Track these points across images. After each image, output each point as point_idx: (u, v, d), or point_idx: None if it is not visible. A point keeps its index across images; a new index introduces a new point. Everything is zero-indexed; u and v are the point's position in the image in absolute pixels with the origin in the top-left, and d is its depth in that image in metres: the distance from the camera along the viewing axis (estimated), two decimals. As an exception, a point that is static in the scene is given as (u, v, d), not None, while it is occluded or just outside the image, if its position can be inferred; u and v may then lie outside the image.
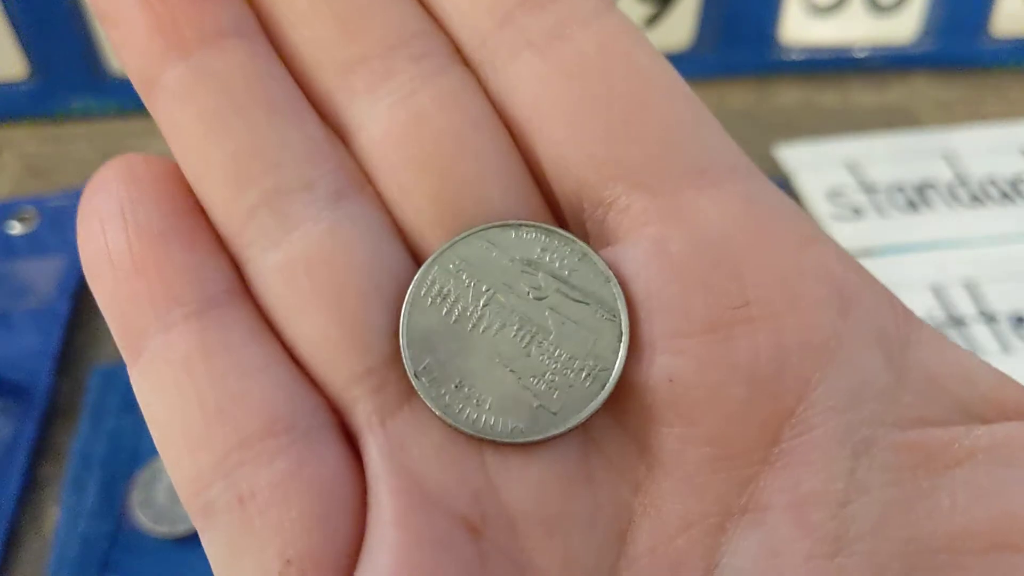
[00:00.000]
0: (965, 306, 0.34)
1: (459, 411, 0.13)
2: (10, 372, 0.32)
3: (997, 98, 0.43)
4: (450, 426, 0.14)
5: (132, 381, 0.14)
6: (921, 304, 0.34)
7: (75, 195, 0.14)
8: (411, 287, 0.14)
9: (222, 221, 0.14)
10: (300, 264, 0.14)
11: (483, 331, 0.14)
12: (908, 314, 0.14)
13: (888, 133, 0.40)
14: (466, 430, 0.13)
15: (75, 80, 0.40)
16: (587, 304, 0.14)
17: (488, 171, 0.14)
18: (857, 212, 0.37)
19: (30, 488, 0.30)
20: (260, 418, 0.13)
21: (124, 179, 0.14)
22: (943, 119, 0.41)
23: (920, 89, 0.43)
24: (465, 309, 0.14)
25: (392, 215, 0.15)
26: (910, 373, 0.13)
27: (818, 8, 0.42)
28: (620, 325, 0.14)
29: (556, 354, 0.14)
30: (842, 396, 0.13)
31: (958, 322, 0.34)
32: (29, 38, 0.39)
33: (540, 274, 0.14)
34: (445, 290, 0.14)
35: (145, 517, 0.28)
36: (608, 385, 0.13)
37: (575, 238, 0.14)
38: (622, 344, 0.14)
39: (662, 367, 0.13)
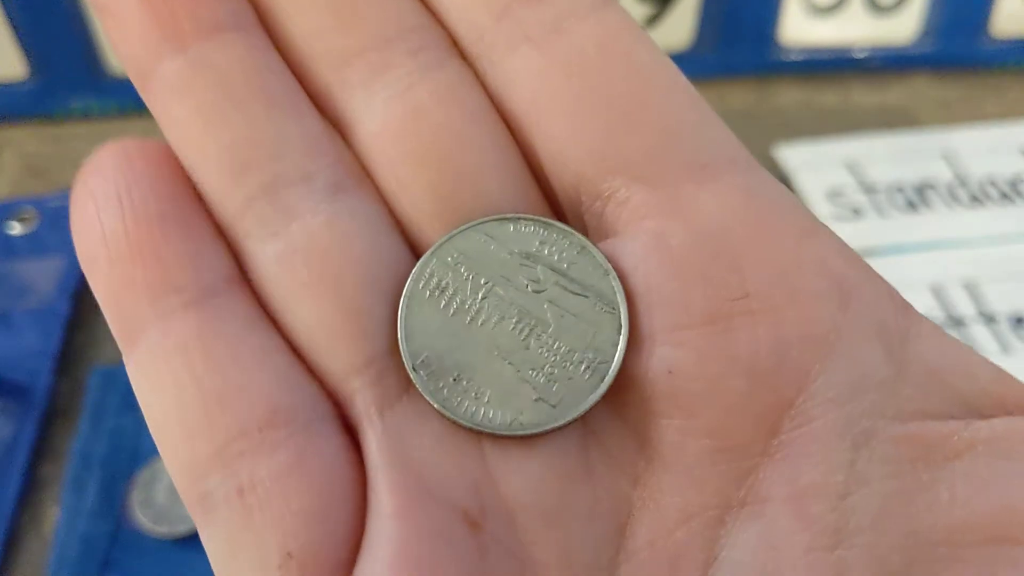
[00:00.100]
0: (964, 306, 0.34)
1: (458, 404, 0.13)
2: (10, 372, 0.32)
3: (997, 98, 0.43)
4: (449, 419, 0.14)
5: (128, 370, 0.14)
6: (921, 304, 0.34)
7: (75, 195, 0.14)
8: (409, 280, 0.14)
9: (219, 211, 0.14)
10: (299, 255, 0.14)
11: (482, 324, 0.14)
12: (908, 307, 0.14)
13: (888, 133, 0.40)
14: (465, 423, 0.13)
15: (75, 80, 0.40)
16: (586, 297, 0.14)
17: (486, 165, 0.14)
18: (857, 212, 0.37)
19: (30, 488, 0.30)
20: (260, 408, 0.13)
21: (120, 163, 0.14)
22: (943, 119, 0.42)
23: (920, 89, 0.43)
24: (463, 302, 0.14)
25: (390, 208, 0.15)
26: (910, 366, 0.13)
27: (818, 8, 0.42)
28: (619, 318, 0.14)
29: (555, 347, 0.14)
30: (842, 388, 0.13)
31: (957, 322, 0.34)
32: (29, 38, 0.39)
33: (539, 267, 0.14)
34: (443, 283, 0.14)
35: (145, 517, 0.28)
36: (607, 378, 0.13)
37: (573, 231, 0.14)
38: (621, 337, 0.14)
39: (661, 359, 0.13)
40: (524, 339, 0.14)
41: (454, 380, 0.14)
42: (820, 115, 0.42)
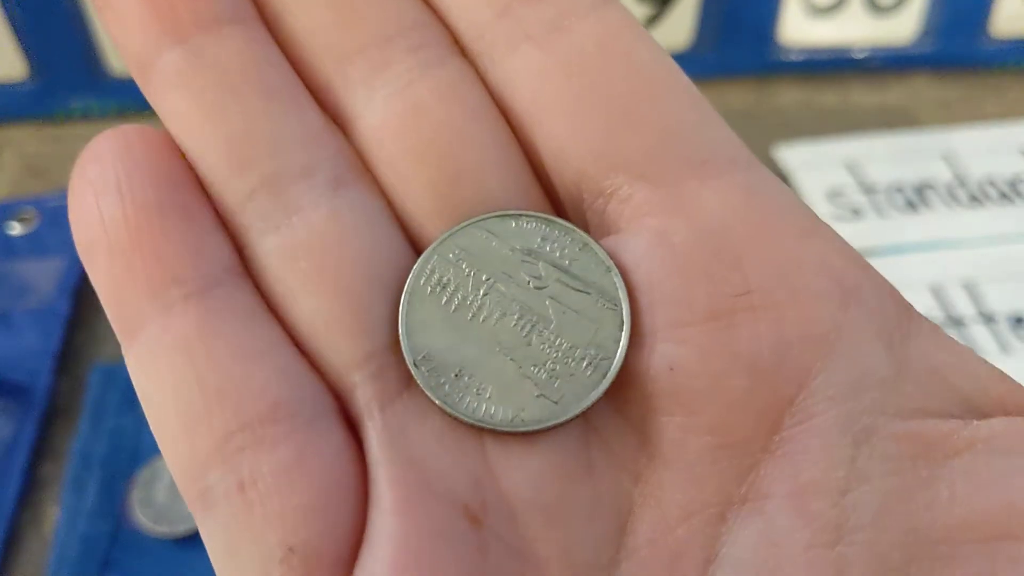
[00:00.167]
0: (964, 306, 0.34)
1: (459, 400, 0.13)
2: (10, 372, 0.32)
3: (996, 98, 0.43)
4: (450, 415, 0.14)
5: (128, 363, 0.14)
6: (920, 304, 0.34)
7: (75, 195, 0.14)
8: (410, 276, 0.14)
9: (220, 202, 0.14)
10: (300, 248, 0.14)
11: (483, 320, 0.14)
12: (908, 307, 0.14)
13: (887, 133, 0.40)
14: (466, 419, 0.13)
15: (75, 80, 0.40)
16: (588, 294, 0.14)
17: (487, 162, 0.14)
18: (856, 212, 0.37)
19: (30, 488, 0.30)
20: (262, 403, 0.13)
21: (119, 150, 0.14)
22: (942, 119, 0.42)
23: (919, 89, 0.43)
24: (465, 298, 0.14)
25: (390, 204, 0.15)
26: (911, 364, 0.13)
27: (817, 8, 0.42)
28: (621, 314, 0.14)
29: (557, 343, 0.14)
30: (843, 386, 0.13)
31: (957, 322, 0.34)
32: (29, 38, 0.39)
33: (540, 263, 0.14)
34: (445, 279, 0.14)
35: (145, 517, 0.28)
36: (609, 374, 0.13)
37: (575, 228, 0.14)
38: (623, 333, 0.14)
39: (663, 356, 0.13)
40: (526, 335, 0.14)
41: (455, 376, 0.14)
42: (820, 115, 0.42)
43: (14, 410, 0.31)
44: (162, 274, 0.13)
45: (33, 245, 0.35)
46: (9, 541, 0.29)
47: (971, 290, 0.35)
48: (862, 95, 0.43)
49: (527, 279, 0.14)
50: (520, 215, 0.14)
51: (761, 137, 0.40)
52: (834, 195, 0.38)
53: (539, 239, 0.14)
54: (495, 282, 0.14)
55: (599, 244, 0.14)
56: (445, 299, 0.14)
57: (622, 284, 0.14)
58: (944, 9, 0.42)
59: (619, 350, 0.13)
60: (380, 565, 0.12)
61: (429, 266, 0.14)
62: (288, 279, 0.14)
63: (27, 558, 0.28)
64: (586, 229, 0.15)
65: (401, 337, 0.14)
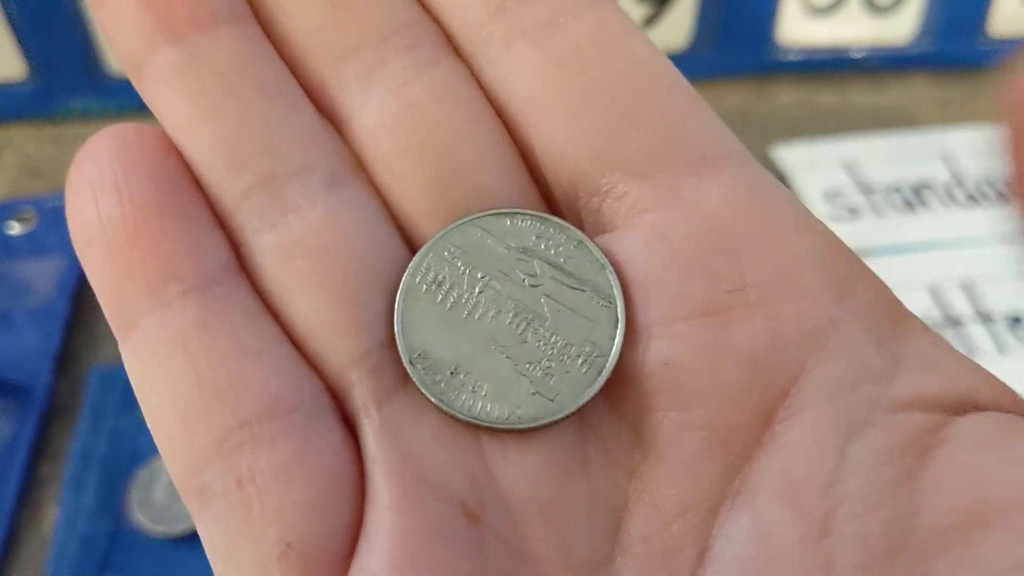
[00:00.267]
0: (962, 306, 0.34)
1: (455, 398, 0.14)
2: (10, 372, 0.32)
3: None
4: (446, 413, 0.14)
5: (125, 359, 0.14)
6: (918, 304, 0.34)
7: (75, 195, 0.14)
8: (406, 274, 0.14)
9: (216, 200, 0.14)
10: (297, 246, 0.14)
11: (479, 318, 0.14)
12: (898, 303, 0.14)
13: (885, 133, 0.40)
14: (462, 417, 0.13)
15: (74, 80, 0.40)
16: (583, 291, 0.14)
17: (483, 160, 0.14)
18: (854, 212, 0.37)
19: (29, 488, 0.30)
20: (261, 400, 0.13)
21: (116, 148, 0.14)
22: (940, 119, 0.42)
23: (918, 90, 0.43)
24: (460, 296, 0.14)
25: (386, 203, 0.15)
26: (901, 360, 0.13)
27: (816, 9, 0.42)
28: (616, 312, 0.14)
29: (552, 341, 0.14)
30: (836, 380, 0.13)
31: (955, 322, 0.34)
32: (28, 39, 0.39)
33: (535, 261, 0.14)
34: (440, 277, 0.14)
35: (144, 516, 0.28)
36: (605, 372, 0.14)
37: (570, 226, 0.14)
38: (618, 331, 0.14)
39: (658, 351, 0.13)
40: (521, 333, 0.14)
41: (451, 374, 0.14)
42: (818, 115, 0.42)
43: (14, 410, 0.31)
44: (160, 270, 0.13)
45: (32, 245, 0.35)
46: (8, 541, 0.29)
47: (969, 290, 0.35)
48: (860, 95, 0.43)
49: (522, 277, 0.14)
50: (515, 213, 0.14)
51: (759, 137, 0.40)
52: (832, 195, 0.38)
53: (534, 237, 0.14)
54: (490, 280, 0.14)
55: (594, 242, 0.14)
56: (440, 297, 0.14)
57: (616, 282, 0.14)
58: (942, 9, 0.42)
59: (614, 347, 0.14)
60: (377, 561, 0.12)
61: (424, 264, 0.14)
62: (285, 277, 0.14)
63: (26, 557, 0.28)
64: (581, 227, 0.15)
65: (397, 335, 0.14)
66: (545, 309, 0.14)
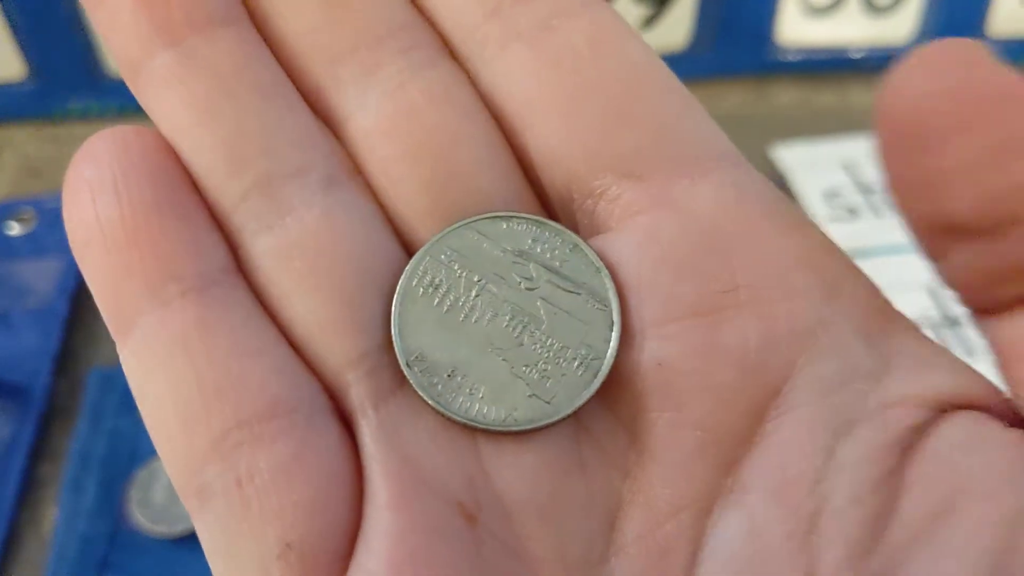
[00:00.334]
0: (960, 306, 0.34)
1: (451, 400, 0.14)
2: (9, 373, 0.32)
3: (993, 98, 0.43)
4: (443, 415, 0.14)
5: (122, 358, 0.14)
6: (917, 304, 0.34)
7: (73, 196, 0.14)
8: (403, 277, 0.14)
9: (214, 203, 0.14)
10: (294, 248, 0.14)
11: (475, 321, 0.14)
12: (888, 303, 0.14)
13: (885, 133, 0.40)
14: (459, 419, 0.14)
15: (74, 81, 0.40)
16: (578, 294, 0.14)
17: (478, 162, 0.15)
18: (853, 212, 0.37)
19: (29, 488, 0.30)
20: (260, 400, 0.13)
21: (114, 149, 0.14)
22: (940, 119, 0.42)
23: (917, 90, 0.43)
24: (457, 299, 0.14)
25: (382, 205, 0.15)
26: (891, 359, 0.13)
27: (815, 9, 0.42)
28: (611, 314, 0.14)
29: (548, 343, 0.14)
30: (826, 379, 0.13)
31: (953, 322, 0.34)
32: (28, 39, 0.39)
33: (531, 265, 0.14)
34: (437, 280, 0.14)
35: (143, 517, 0.28)
36: (600, 374, 0.14)
37: (566, 229, 0.14)
38: (613, 334, 0.14)
39: (651, 352, 0.13)
40: (518, 336, 0.14)
41: (448, 376, 0.14)
42: (817, 115, 0.42)
43: (13, 410, 0.31)
44: (160, 271, 0.13)
45: (32, 246, 0.35)
46: (8, 541, 0.29)
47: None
48: (859, 95, 0.43)
49: (518, 280, 0.14)
50: (511, 216, 0.14)
51: (758, 137, 0.40)
52: (831, 195, 0.38)
53: (530, 240, 0.14)
54: (487, 283, 0.14)
55: (588, 244, 0.14)
56: (437, 300, 0.14)
57: (612, 285, 0.14)
58: (941, 9, 0.42)
59: (609, 350, 0.14)
60: (376, 560, 0.12)
61: (421, 267, 0.14)
62: (282, 279, 0.14)
63: (26, 558, 0.28)
64: (576, 229, 0.15)
65: (394, 338, 0.14)
66: (541, 312, 0.14)
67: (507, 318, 0.14)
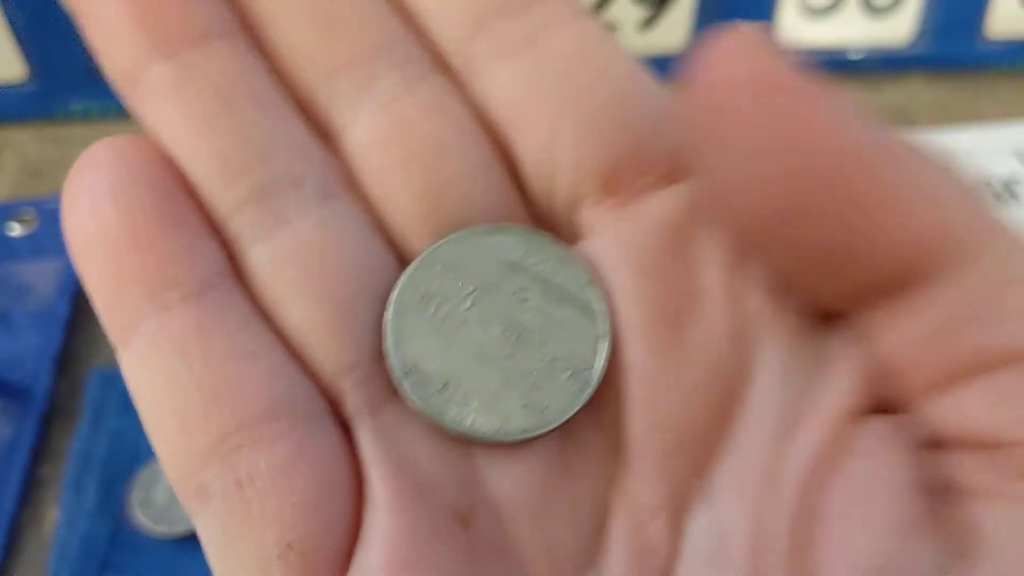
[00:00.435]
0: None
1: (445, 411, 0.14)
2: (10, 373, 0.32)
3: (992, 99, 0.43)
4: (437, 427, 0.14)
5: (123, 363, 0.14)
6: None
7: (74, 197, 0.14)
8: (396, 289, 0.14)
9: (210, 212, 0.14)
10: (291, 256, 0.14)
11: (468, 332, 0.14)
12: None
13: (883, 134, 0.40)
14: (453, 430, 0.14)
15: (75, 82, 0.40)
16: (568, 305, 0.14)
17: (471, 173, 0.15)
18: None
19: (30, 488, 0.30)
20: (259, 402, 0.13)
21: (114, 158, 0.14)
22: (938, 120, 0.42)
23: (915, 91, 0.43)
24: (450, 311, 0.14)
25: (376, 216, 0.15)
26: (831, 360, 0.14)
27: (813, 10, 0.42)
28: (600, 325, 0.14)
29: (540, 354, 0.14)
30: (783, 374, 0.13)
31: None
32: (29, 40, 0.39)
33: (523, 276, 0.14)
34: (430, 292, 0.14)
35: (145, 517, 0.28)
36: (590, 384, 0.14)
37: (556, 241, 0.15)
38: (602, 344, 0.14)
39: (626, 357, 0.14)
40: (510, 347, 0.14)
41: (442, 388, 0.14)
42: (816, 116, 0.42)
43: (14, 411, 0.31)
44: (159, 277, 0.13)
45: (33, 246, 0.36)
46: (9, 541, 0.29)
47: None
48: (858, 96, 0.43)
49: (510, 291, 0.14)
50: (503, 228, 0.15)
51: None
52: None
53: (522, 252, 0.14)
54: (480, 294, 0.14)
55: (577, 253, 0.14)
56: (430, 312, 0.14)
57: (601, 295, 0.14)
58: (940, 10, 0.42)
59: (599, 360, 0.14)
60: (375, 561, 0.13)
61: (414, 279, 0.14)
62: (278, 287, 0.14)
63: (27, 558, 0.29)
64: (563, 237, 0.15)
65: (388, 349, 0.14)
66: (533, 323, 0.14)
67: (500, 329, 0.14)
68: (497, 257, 0.14)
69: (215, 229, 0.14)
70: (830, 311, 0.13)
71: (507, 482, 0.14)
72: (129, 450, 0.30)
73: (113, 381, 0.31)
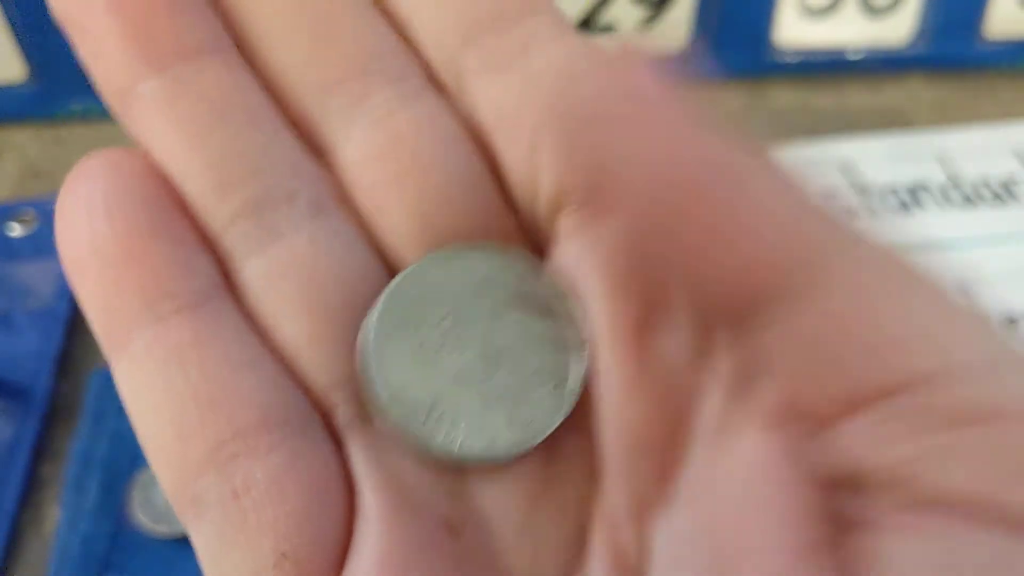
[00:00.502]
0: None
1: (432, 437, 0.14)
2: (10, 374, 0.32)
3: (991, 99, 0.43)
4: (426, 453, 0.14)
5: (116, 372, 0.14)
6: (914, 305, 0.34)
7: (75, 198, 0.14)
8: (372, 318, 0.14)
9: (204, 227, 0.14)
10: (285, 270, 0.14)
11: (448, 355, 0.14)
12: None
13: (882, 135, 0.41)
14: (442, 454, 0.14)
15: (75, 82, 0.40)
16: (545, 317, 0.14)
17: (462, 189, 0.15)
18: (850, 213, 0.38)
19: (31, 489, 0.30)
20: (254, 412, 0.13)
21: (107, 171, 0.14)
22: (937, 121, 0.42)
23: (915, 91, 0.43)
24: (429, 334, 0.14)
25: (368, 232, 0.15)
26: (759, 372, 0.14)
27: (812, 10, 0.42)
28: (577, 336, 0.14)
29: (521, 369, 0.14)
30: (732, 377, 0.13)
31: (950, 323, 0.34)
32: (29, 40, 0.39)
33: (497, 292, 0.14)
34: (405, 319, 0.14)
35: (145, 517, 0.28)
36: (572, 395, 0.14)
37: (530, 255, 0.15)
38: (582, 353, 0.14)
39: (599, 363, 0.14)
40: (490, 365, 0.14)
41: (428, 413, 0.14)
42: (815, 117, 0.42)
43: (15, 411, 0.31)
44: (154, 288, 0.14)
45: (33, 247, 0.36)
46: (10, 541, 0.29)
47: (964, 291, 0.35)
48: (857, 97, 0.43)
49: (485, 309, 0.14)
50: (472, 247, 0.14)
51: (756, 139, 0.40)
52: (828, 197, 0.38)
53: (495, 268, 0.14)
54: (455, 316, 0.14)
55: (549, 266, 0.15)
56: (410, 337, 0.14)
57: (577, 307, 0.14)
58: (939, 11, 0.42)
59: (577, 370, 0.14)
60: (366, 570, 0.13)
61: (389, 307, 0.14)
62: (270, 301, 0.14)
63: (28, 558, 0.29)
64: (549, 248, 0.15)
65: (370, 379, 0.14)
66: (510, 339, 0.14)
67: (478, 348, 0.14)
68: (469, 277, 0.14)
69: (208, 243, 0.14)
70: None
71: (495, 492, 0.14)
72: (130, 450, 0.30)
73: (113, 384, 0.31)
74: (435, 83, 0.16)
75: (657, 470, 0.13)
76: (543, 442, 0.14)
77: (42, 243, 0.36)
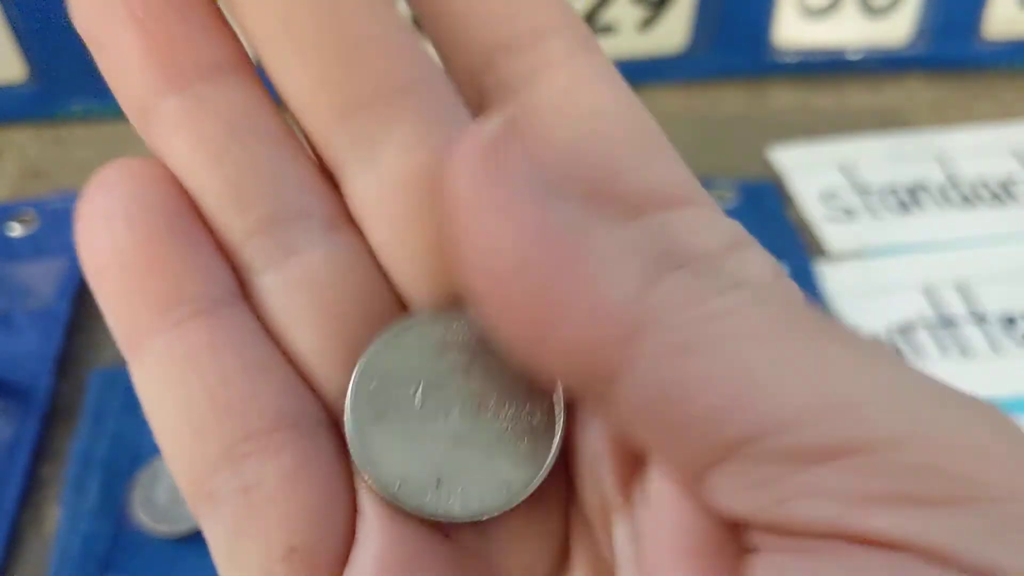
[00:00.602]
0: (956, 307, 0.35)
1: (440, 508, 0.14)
2: (11, 374, 0.32)
3: (989, 99, 0.43)
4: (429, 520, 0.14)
5: (133, 374, 0.14)
6: (913, 305, 0.34)
7: (75, 197, 0.15)
8: (349, 411, 0.14)
9: (221, 240, 0.15)
10: (299, 285, 0.14)
11: (434, 422, 0.14)
12: None
13: (881, 135, 0.41)
14: (458, 520, 0.14)
15: (75, 82, 0.40)
16: (510, 363, 0.14)
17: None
18: (849, 214, 0.38)
19: (31, 488, 0.30)
20: (268, 413, 0.14)
21: (126, 180, 0.14)
22: (936, 121, 0.42)
23: (913, 91, 0.43)
24: (408, 410, 0.14)
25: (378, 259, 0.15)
26: None
27: (812, 11, 0.42)
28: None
29: (503, 415, 0.14)
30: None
31: (949, 323, 0.34)
32: (29, 40, 0.39)
33: (457, 350, 0.14)
34: (382, 404, 0.14)
35: (146, 517, 0.28)
36: (559, 417, 0.14)
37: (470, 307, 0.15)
38: (559, 385, 0.14)
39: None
40: (475, 418, 0.14)
41: (435, 487, 0.14)
42: (814, 117, 0.42)
43: (15, 411, 0.31)
44: (172, 293, 0.14)
45: (33, 247, 0.36)
46: (11, 541, 0.29)
47: (963, 291, 0.35)
48: (857, 97, 0.43)
49: (451, 370, 0.14)
50: (417, 320, 0.15)
51: (756, 139, 0.40)
52: (828, 197, 0.38)
53: (449, 329, 0.14)
54: (425, 388, 0.14)
55: None
56: (390, 421, 0.14)
57: None
58: (938, 11, 0.42)
59: (557, 400, 0.14)
60: (370, 562, 0.13)
61: (359, 398, 0.14)
62: (286, 314, 0.14)
63: (28, 558, 0.29)
64: None
65: (370, 472, 0.14)
66: (485, 387, 0.14)
67: (459, 407, 0.14)
68: (426, 343, 0.14)
69: (226, 253, 0.15)
70: None
71: None
72: (130, 450, 0.30)
73: (114, 381, 0.32)
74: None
75: (625, 477, 0.14)
76: None
77: (42, 243, 0.36)
